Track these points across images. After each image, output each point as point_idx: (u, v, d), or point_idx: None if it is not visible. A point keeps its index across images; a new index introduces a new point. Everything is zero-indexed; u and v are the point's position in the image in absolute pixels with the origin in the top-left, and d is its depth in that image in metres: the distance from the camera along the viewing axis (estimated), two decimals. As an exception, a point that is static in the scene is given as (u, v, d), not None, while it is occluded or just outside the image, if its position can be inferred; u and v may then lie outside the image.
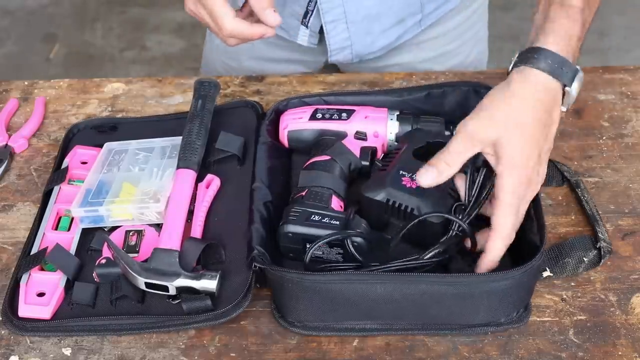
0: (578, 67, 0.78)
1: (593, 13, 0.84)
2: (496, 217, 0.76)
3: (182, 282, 0.79)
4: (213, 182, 0.91)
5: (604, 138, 1.00)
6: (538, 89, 0.77)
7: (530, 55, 0.78)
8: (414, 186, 0.82)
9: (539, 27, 0.80)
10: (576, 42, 0.79)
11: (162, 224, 0.86)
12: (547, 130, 0.77)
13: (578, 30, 0.79)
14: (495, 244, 0.77)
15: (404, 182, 0.82)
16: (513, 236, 0.77)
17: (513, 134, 0.76)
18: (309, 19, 1.11)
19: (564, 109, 0.79)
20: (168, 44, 2.85)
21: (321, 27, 1.11)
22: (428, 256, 0.78)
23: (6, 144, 1.02)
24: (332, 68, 1.24)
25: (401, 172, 0.84)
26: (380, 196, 0.82)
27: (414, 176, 0.80)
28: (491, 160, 0.77)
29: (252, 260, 0.78)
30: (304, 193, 0.85)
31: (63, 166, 0.96)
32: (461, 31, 1.20)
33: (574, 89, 0.78)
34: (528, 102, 0.77)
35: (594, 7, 0.84)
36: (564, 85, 0.77)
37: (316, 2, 1.08)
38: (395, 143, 0.92)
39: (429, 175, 0.78)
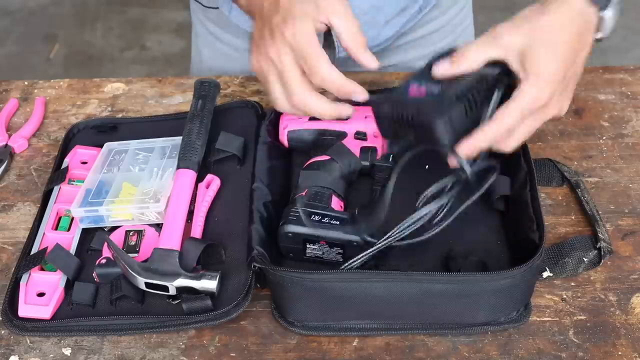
0: None
1: None
2: (499, 111, 0.74)
3: (182, 282, 0.79)
4: (213, 182, 0.91)
5: (604, 138, 1.00)
6: (573, 9, 0.76)
7: None
8: (422, 94, 0.77)
9: None
10: None
11: (162, 224, 0.86)
12: (576, 53, 0.76)
13: None
14: (485, 133, 0.75)
15: (409, 91, 0.77)
16: (502, 140, 0.75)
17: (541, 46, 0.74)
18: None
19: (597, 35, 0.78)
20: (168, 44, 2.86)
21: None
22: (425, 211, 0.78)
23: (6, 144, 1.02)
24: None
25: (411, 83, 0.78)
26: (384, 108, 0.79)
27: (422, 83, 0.77)
28: (515, 68, 0.75)
29: (252, 261, 0.78)
30: (303, 193, 0.85)
31: (63, 166, 0.96)
32: (453, 26, 1.22)
33: (609, 15, 0.77)
34: (560, 21, 0.76)
35: None
36: (600, 9, 0.77)
37: None
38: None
39: (443, 65, 0.76)
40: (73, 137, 1.02)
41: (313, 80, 0.80)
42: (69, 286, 0.82)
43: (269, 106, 1.00)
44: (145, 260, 0.82)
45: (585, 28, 0.77)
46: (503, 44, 0.75)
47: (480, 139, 0.75)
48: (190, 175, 0.90)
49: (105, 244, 0.83)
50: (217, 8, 1.16)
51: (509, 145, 0.78)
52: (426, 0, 1.15)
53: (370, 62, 0.81)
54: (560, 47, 0.75)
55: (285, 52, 0.79)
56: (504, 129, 0.75)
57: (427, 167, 0.94)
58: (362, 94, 0.82)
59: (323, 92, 0.82)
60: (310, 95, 0.81)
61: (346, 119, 0.87)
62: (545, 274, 0.83)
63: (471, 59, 0.76)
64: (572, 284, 0.83)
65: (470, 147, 0.75)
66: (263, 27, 0.82)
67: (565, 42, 0.75)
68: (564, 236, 0.87)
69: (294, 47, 0.78)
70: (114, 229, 0.88)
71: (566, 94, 0.77)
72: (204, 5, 1.19)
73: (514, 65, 0.75)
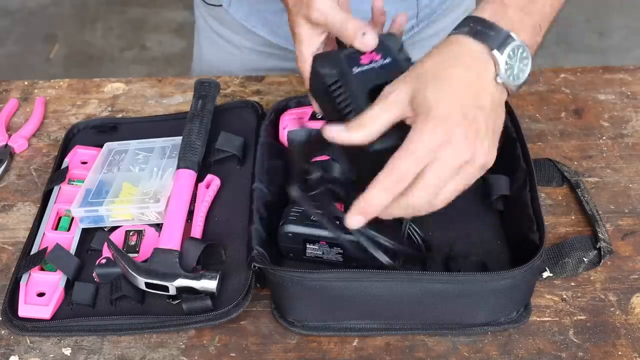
0: (513, 34, 0.68)
1: None
2: (390, 160, 0.65)
3: (182, 282, 0.79)
4: (213, 182, 0.91)
5: (604, 138, 1.00)
6: (461, 50, 0.69)
7: (457, 25, 0.71)
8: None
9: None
10: (516, 12, 0.70)
11: (162, 224, 0.86)
12: (475, 92, 0.68)
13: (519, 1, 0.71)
14: (374, 188, 0.66)
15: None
16: (394, 193, 0.66)
17: (427, 87, 0.66)
18: None
19: (507, 81, 0.69)
20: (168, 44, 2.86)
21: None
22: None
23: (6, 144, 1.02)
24: None
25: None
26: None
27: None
28: (409, 121, 0.67)
29: (252, 261, 0.78)
30: (304, 193, 0.85)
31: (63, 166, 0.96)
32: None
33: (501, 58, 0.68)
34: (447, 60, 0.69)
35: None
36: (490, 49, 0.68)
37: None
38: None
39: (336, 129, 0.68)
40: (73, 137, 1.02)
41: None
42: (69, 286, 0.82)
43: (268, 106, 1.00)
44: (145, 260, 0.82)
45: (483, 68, 0.68)
46: (391, 101, 0.67)
47: (369, 201, 0.67)
48: (190, 175, 0.90)
49: (105, 244, 0.83)
50: (220, 5, 1.16)
51: (433, 206, 0.68)
52: (420, 18, 1.14)
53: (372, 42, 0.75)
54: (449, 84, 0.67)
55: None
56: (392, 180, 0.65)
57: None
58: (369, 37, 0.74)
59: None
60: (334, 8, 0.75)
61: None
62: (545, 274, 0.83)
63: (368, 129, 0.67)
64: (572, 284, 0.83)
65: (357, 209, 0.67)
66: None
67: (455, 79, 0.67)
68: (564, 236, 0.87)
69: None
70: (114, 229, 0.88)
71: (481, 137, 0.67)
72: (206, 3, 1.19)
73: (408, 117, 0.67)
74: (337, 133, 0.69)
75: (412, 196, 0.66)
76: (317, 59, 0.75)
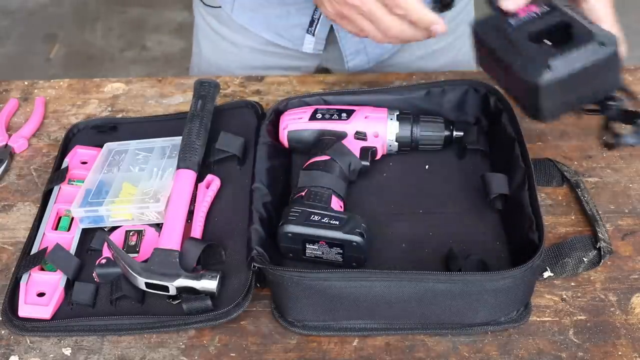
0: None
1: None
2: None
3: (183, 282, 0.79)
4: (213, 183, 0.91)
5: (604, 138, 1.00)
6: None
7: None
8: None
9: None
10: None
11: (162, 224, 0.86)
12: None
13: None
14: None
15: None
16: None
17: None
18: (315, 27, 1.11)
19: None
20: (168, 44, 2.86)
21: (327, 34, 1.12)
22: None
23: (6, 144, 1.02)
24: (322, 71, 1.25)
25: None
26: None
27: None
28: None
29: (252, 261, 0.78)
30: (303, 193, 0.85)
31: (63, 166, 0.96)
32: (453, 27, 1.21)
33: None
34: None
35: None
36: None
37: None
38: (396, 143, 0.92)
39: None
40: (73, 137, 1.02)
41: (397, 11, 0.81)
42: (69, 286, 0.82)
43: (268, 106, 1.00)
44: (145, 260, 0.82)
45: None
46: None
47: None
48: (190, 175, 0.90)
49: (105, 244, 0.83)
50: (220, 7, 1.16)
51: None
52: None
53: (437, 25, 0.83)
54: None
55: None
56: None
57: (427, 167, 0.95)
58: (441, 27, 0.82)
59: None
60: (403, 24, 0.83)
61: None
62: (546, 274, 0.83)
63: None
64: (572, 284, 0.83)
65: None
66: None
67: None
68: (564, 236, 0.87)
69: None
70: (114, 229, 0.88)
71: None
72: (205, 4, 1.19)
73: None
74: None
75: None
76: (477, 25, 0.81)
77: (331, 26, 1.12)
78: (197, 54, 1.28)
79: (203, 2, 1.20)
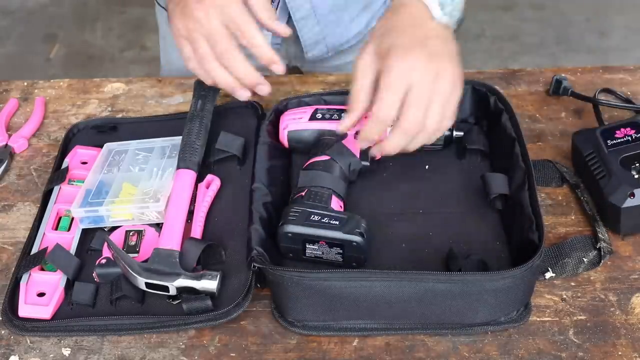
0: None
1: None
2: (376, 99, 0.79)
3: (183, 282, 0.79)
4: (213, 183, 0.91)
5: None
6: (401, 6, 0.84)
7: None
8: None
9: None
10: None
11: (162, 224, 0.86)
12: (421, 29, 0.82)
13: None
14: (370, 121, 0.80)
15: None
16: (391, 115, 0.78)
17: (384, 36, 0.81)
18: None
19: (442, 18, 0.83)
20: (168, 44, 2.85)
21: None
22: None
23: (6, 144, 1.02)
24: (295, 71, 1.24)
25: None
26: None
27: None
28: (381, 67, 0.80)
29: (252, 261, 0.78)
30: (303, 193, 0.85)
31: (63, 166, 0.96)
32: None
33: (435, 1, 0.83)
34: (393, 15, 0.84)
35: None
36: None
37: (279, 1, 1.09)
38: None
39: (344, 121, 0.83)
40: (73, 137, 1.02)
41: (242, 40, 0.85)
42: (69, 286, 0.82)
43: (268, 106, 1.00)
44: (146, 260, 0.82)
45: (418, 12, 0.83)
46: (361, 65, 0.82)
47: (370, 128, 0.80)
48: (190, 175, 0.90)
49: (105, 244, 0.83)
50: None
51: (426, 127, 0.79)
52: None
53: (283, 29, 0.90)
54: (399, 28, 0.82)
55: (215, 14, 0.84)
56: (385, 112, 0.78)
57: (426, 167, 0.95)
58: (278, 68, 0.87)
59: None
60: (237, 55, 0.86)
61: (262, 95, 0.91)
62: (548, 275, 0.83)
63: (360, 96, 0.81)
64: (572, 284, 0.83)
65: (363, 141, 0.83)
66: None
67: (402, 24, 0.82)
68: (564, 236, 0.87)
69: (224, 10, 0.84)
70: (114, 229, 0.88)
71: (440, 56, 0.80)
72: (163, 7, 1.19)
73: (381, 69, 0.79)
74: (342, 126, 0.84)
75: (404, 120, 0.78)
76: (577, 134, 0.93)
77: (289, 18, 1.12)
78: (166, 63, 1.29)
79: (160, 5, 1.20)
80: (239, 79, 0.87)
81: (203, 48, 0.85)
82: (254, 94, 0.90)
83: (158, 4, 1.21)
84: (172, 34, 0.89)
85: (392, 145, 0.81)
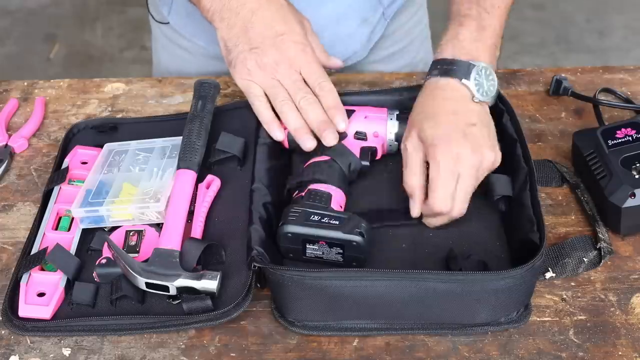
0: (473, 62, 0.87)
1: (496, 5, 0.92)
2: (429, 193, 0.83)
3: (183, 282, 0.79)
4: (213, 183, 0.91)
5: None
6: (437, 88, 0.87)
7: (428, 70, 0.90)
8: None
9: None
10: (470, 43, 0.88)
11: (162, 224, 0.86)
12: (463, 116, 0.84)
13: (469, 32, 0.89)
14: (430, 216, 0.85)
15: None
16: (446, 209, 0.82)
17: (424, 124, 0.84)
18: None
19: (481, 98, 0.87)
20: (168, 44, 2.85)
21: None
22: None
23: (6, 144, 1.02)
24: None
25: None
26: None
27: None
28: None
29: (252, 261, 0.78)
30: (303, 193, 0.85)
31: (63, 166, 0.96)
32: (408, 29, 1.22)
33: (472, 80, 0.86)
34: (431, 99, 0.87)
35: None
36: (460, 79, 0.86)
37: None
38: (396, 143, 0.92)
39: (414, 208, 0.86)
40: (73, 137, 1.02)
41: (323, 98, 0.90)
42: (69, 286, 0.82)
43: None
44: (146, 260, 0.82)
45: (458, 95, 0.86)
46: (409, 150, 0.85)
47: (433, 213, 0.84)
48: (190, 175, 0.90)
49: (105, 244, 0.83)
50: (168, 23, 1.17)
51: (462, 209, 0.83)
52: (389, 7, 1.15)
53: (340, 64, 0.99)
54: (439, 116, 0.85)
55: (296, 73, 0.90)
56: (440, 203, 0.82)
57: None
58: (341, 124, 0.90)
59: None
60: (316, 102, 0.90)
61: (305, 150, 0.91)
62: (548, 275, 0.83)
63: (414, 175, 0.84)
64: (572, 284, 0.83)
65: (431, 222, 0.86)
66: (249, 45, 0.91)
67: (442, 111, 0.85)
68: (564, 236, 0.87)
69: (306, 69, 0.91)
70: (114, 229, 0.88)
71: (482, 145, 0.83)
72: (156, 20, 1.20)
73: (427, 154, 0.84)
74: (414, 214, 0.86)
75: (454, 210, 0.83)
76: (577, 134, 0.93)
77: None
78: (157, 64, 1.29)
79: (154, 18, 1.20)
80: (311, 124, 0.90)
81: (283, 94, 0.90)
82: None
83: (151, 15, 1.21)
84: (234, 70, 0.93)
85: (435, 224, 0.86)
